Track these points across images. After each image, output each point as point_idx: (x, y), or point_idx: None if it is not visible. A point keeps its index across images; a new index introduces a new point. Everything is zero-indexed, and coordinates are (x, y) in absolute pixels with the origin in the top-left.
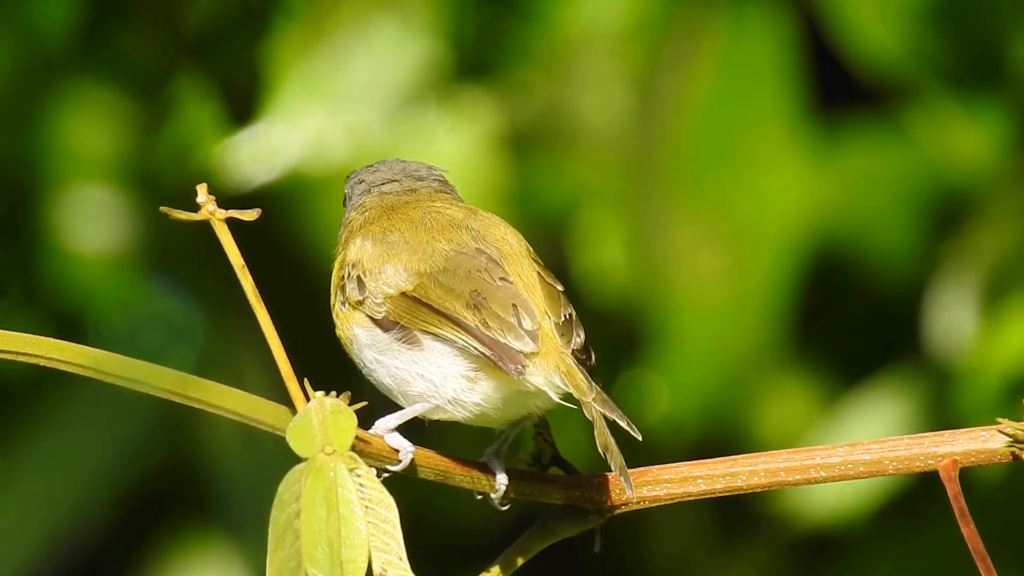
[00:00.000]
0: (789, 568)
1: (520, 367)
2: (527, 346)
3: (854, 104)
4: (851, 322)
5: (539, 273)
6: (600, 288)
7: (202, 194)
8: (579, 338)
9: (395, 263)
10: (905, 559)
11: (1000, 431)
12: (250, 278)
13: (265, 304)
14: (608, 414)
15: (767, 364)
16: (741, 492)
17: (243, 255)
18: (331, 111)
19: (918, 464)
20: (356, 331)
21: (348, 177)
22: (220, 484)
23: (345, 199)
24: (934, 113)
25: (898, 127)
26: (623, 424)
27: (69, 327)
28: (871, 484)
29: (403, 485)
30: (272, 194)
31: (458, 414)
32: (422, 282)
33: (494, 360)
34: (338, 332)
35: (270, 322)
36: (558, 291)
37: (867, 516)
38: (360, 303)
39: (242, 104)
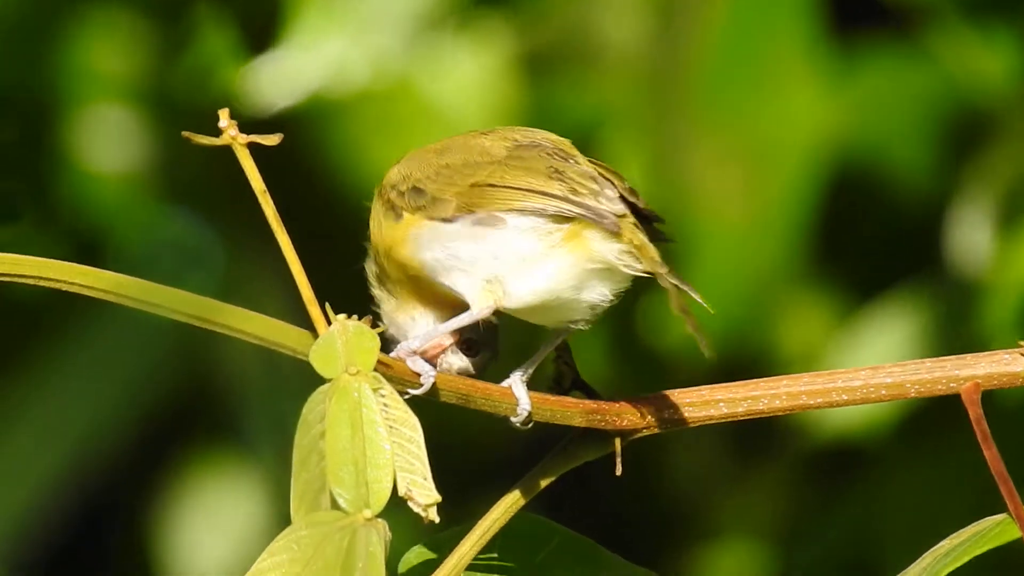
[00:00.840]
0: (809, 484)
1: (615, 223)
2: (617, 207)
3: (872, 25)
4: (869, 240)
5: (593, 161)
6: None
7: (224, 119)
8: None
9: (454, 162)
10: (926, 477)
11: (1022, 354)
12: (271, 203)
13: (286, 230)
14: (680, 285)
15: (786, 282)
16: (762, 415)
17: (264, 180)
18: (351, 35)
19: (940, 387)
20: (414, 232)
21: None
22: (240, 407)
23: None
24: (951, 37)
25: (916, 48)
26: (695, 297)
27: (87, 250)
28: (888, 406)
29: (423, 407)
30: (293, 118)
31: (525, 300)
32: (493, 169)
33: (590, 217)
34: (386, 243)
35: (291, 247)
36: (619, 174)
37: (887, 432)
38: (421, 207)
39: (261, 31)
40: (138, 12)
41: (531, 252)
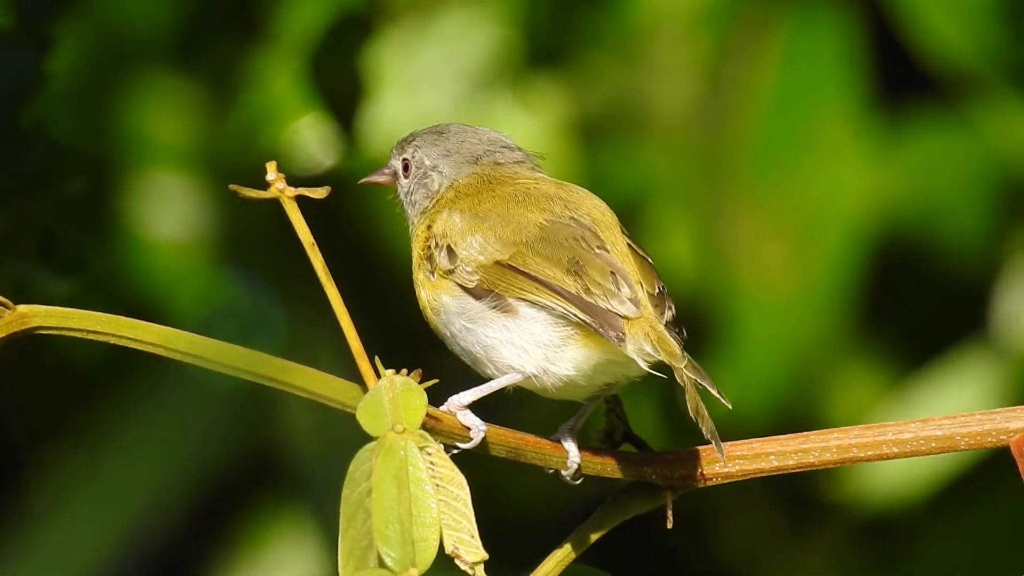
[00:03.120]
0: (857, 552)
1: (621, 334)
2: (630, 311)
3: (918, 95)
4: (918, 308)
5: (630, 244)
6: (667, 280)
7: (271, 172)
8: (671, 310)
9: (487, 233)
10: (972, 538)
11: None
12: (320, 255)
13: (336, 286)
14: (700, 381)
15: (833, 351)
16: (813, 468)
17: (313, 237)
18: (401, 95)
19: (990, 439)
20: (445, 299)
21: (406, 141)
22: (298, 468)
23: (406, 166)
24: (998, 107)
25: (962, 118)
26: (713, 392)
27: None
28: (937, 463)
29: (472, 469)
30: (341, 177)
31: (545, 384)
32: (519, 251)
33: (594, 327)
34: (422, 303)
35: (340, 299)
36: (650, 263)
37: (933, 497)
38: (450, 272)
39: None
40: (200, 76)
41: (549, 341)
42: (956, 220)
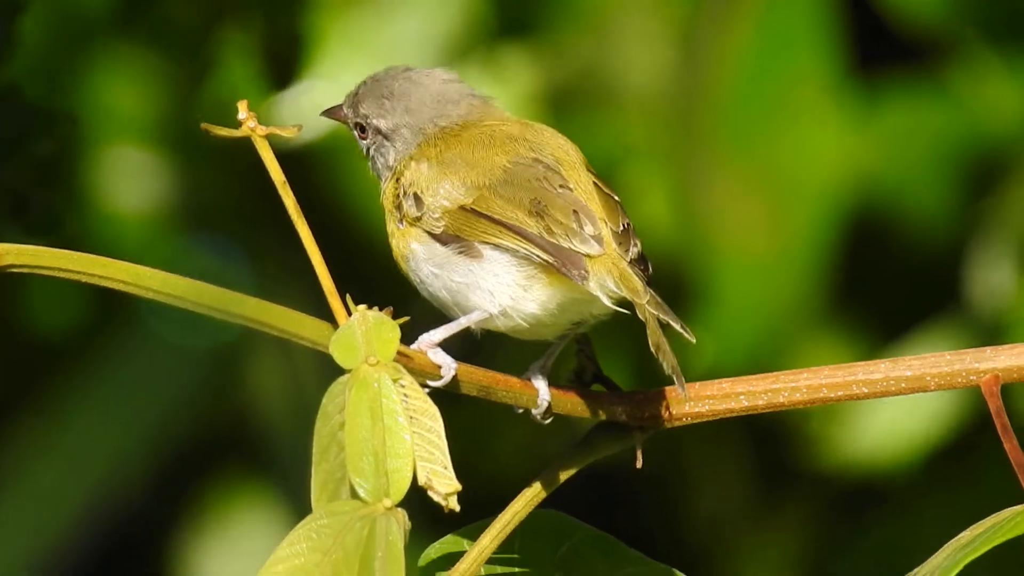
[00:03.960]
0: (835, 520)
1: (584, 272)
2: (592, 248)
3: (893, 60)
4: (890, 278)
5: (595, 183)
6: (645, 241)
7: (242, 110)
8: (636, 247)
9: (452, 179)
10: (954, 504)
11: None
12: (291, 194)
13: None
14: (662, 316)
15: (807, 318)
16: (783, 408)
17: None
18: (373, 66)
19: (960, 380)
20: (413, 246)
21: (356, 99)
22: (267, 437)
23: (361, 127)
24: (973, 67)
25: (937, 83)
26: (677, 327)
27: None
28: (918, 428)
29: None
30: (315, 151)
31: (512, 324)
32: (481, 194)
33: (557, 267)
34: (394, 251)
35: (311, 237)
36: (615, 200)
37: (914, 466)
38: (418, 219)
39: (283, 65)
40: (158, 48)
41: (512, 282)
42: (930, 188)
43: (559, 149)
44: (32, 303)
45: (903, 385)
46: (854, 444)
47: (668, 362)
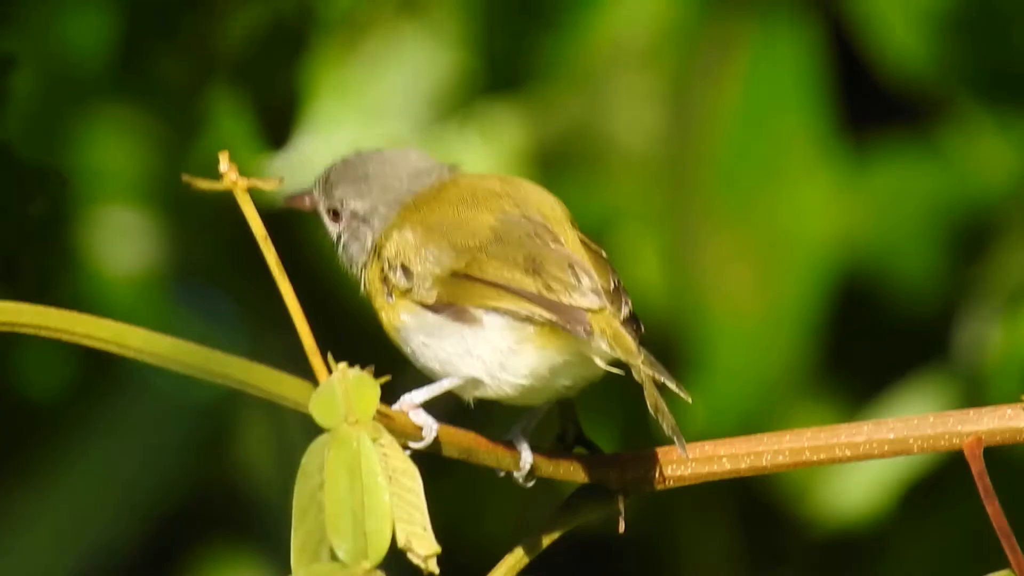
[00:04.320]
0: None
1: (587, 327)
2: (593, 302)
3: (884, 119)
4: (878, 338)
5: (581, 239)
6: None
7: (224, 162)
8: (627, 306)
9: (440, 243)
10: (933, 548)
11: None
12: (272, 248)
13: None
14: (657, 376)
15: (797, 380)
16: (766, 471)
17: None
18: (364, 122)
19: (943, 443)
20: (404, 318)
21: (327, 183)
22: (254, 500)
23: (334, 212)
24: (964, 126)
25: (928, 142)
26: (672, 386)
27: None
28: (895, 475)
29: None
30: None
31: (503, 390)
32: (473, 257)
33: (561, 324)
34: (384, 325)
35: (292, 293)
36: (604, 257)
37: (892, 509)
38: (408, 291)
39: (279, 124)
40: (151, 107)
41: (505, 347)
42: (920, 249)
43: (544, 204)
44: (24, 363)
45: (886, 448)
46: (838, 498)
47: (667, 422)
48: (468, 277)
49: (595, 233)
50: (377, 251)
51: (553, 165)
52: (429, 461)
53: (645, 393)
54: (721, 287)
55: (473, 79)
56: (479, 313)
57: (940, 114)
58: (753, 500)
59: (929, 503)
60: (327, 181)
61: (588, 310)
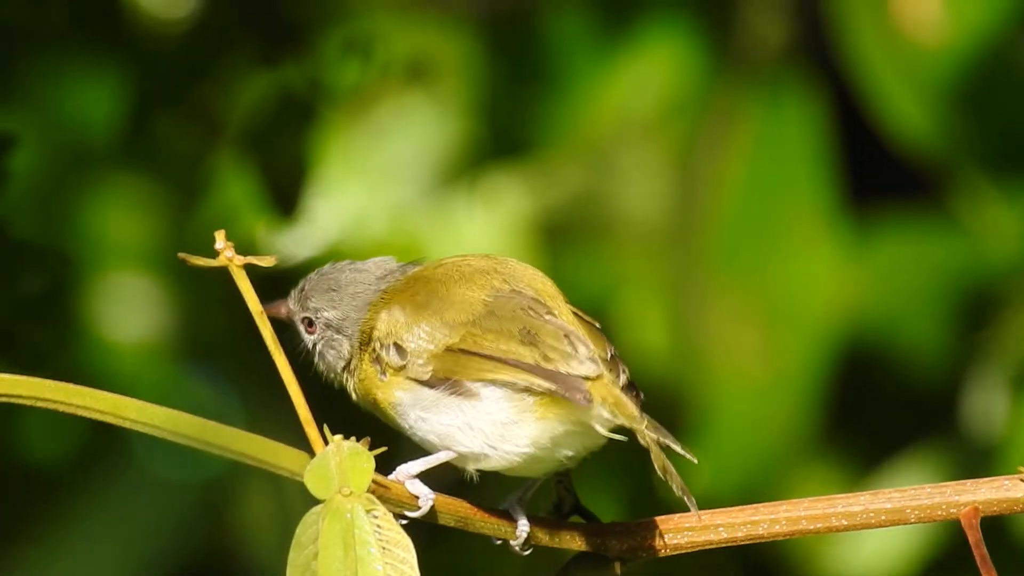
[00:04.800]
0: None
1: (587, 395)
2: (591, 370)
3: (890, 189)
4: (883, 406)
5: (574, 312)
6: (643, 367)
7: (220, 240)
8: (624, 374)
9: (432, 320)
10: None
11: (1023, 479)
12: (268, 324)
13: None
14: (662, 440)
15: (801, 445)
16: (762, 540)
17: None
18: (371, 188)
19: (940, 513)
20: (398, 394)
21: (303, 295)
22: (253, 569)
23: (309, 322)
24: (970, 196)
25: (934, 212)
26: (678, 449)
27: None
28: (905, 545)
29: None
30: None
31: (504, 462)
32: (468, 332)
33: (560, 393)
34: (380, 403)
35: (288, 368)
36: (598, 328)
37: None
38: (402, 368)
39: (286, 191)
40: (157, 177)
41: (505, 419)
42: (924, 321)
43: (534, 280)
44: (27, 432)
45: (883, 518)
46: (847, 559)
47: (677, 484)
48: (464, 352)
49: (600, 299)
50: (363, 339)
51: (558, 233)
52: (428, 529)
53: (652, 456)
54: (725, 351)
55: (478, 146)
56: (476, 387)
57: (946, 185)
58: (762, 563)
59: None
60: (302, 292)
61: (586, 378)
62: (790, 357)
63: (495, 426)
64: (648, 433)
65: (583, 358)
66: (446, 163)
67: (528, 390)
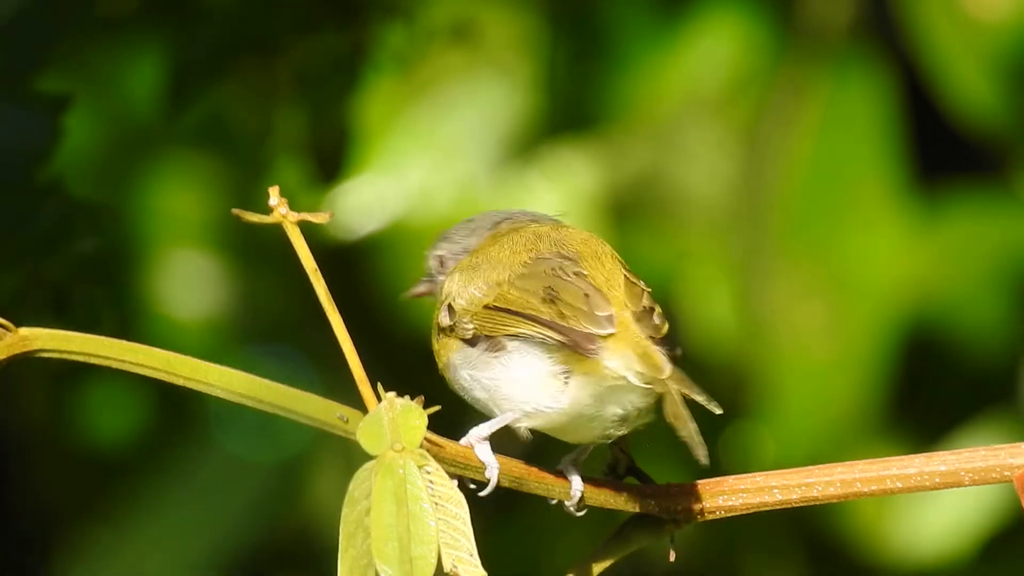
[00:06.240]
0: None
1: (594, 347)
2: (603, 328)
3: (956, 165)
4: (945, 383)
5: (624, 274)
6: (709, 343)
7: (274, 196)
8: (661, 329)
9: (478, 281)
10: None
11: None
12: (322, 281)
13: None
14: (686, 392)
15: (865, 420)
16: (817, 502)
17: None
18: (435, 162)
19: (994, 475)
20: (451, 356)
21: (437, 239)
22: (328, 553)
23: (442, 262)
24: None
25: (999, 189)
26: (702, 401)
27: (171, 396)
28: (974, 517)
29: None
30: (377, 244)
31: (549, 418)
32: (501, 291)
33: (570, 345)
34: (439, 365)
35: (343, 326)
36: (642, 288)
37: (971, 555)
38: (452, 328)
39: (332, 160)
40: (213, 150)
41: (541, 374)
42: (989, 300)
43: (583, 244)
44: (94, 412)
45: (937, 480)
46: (909, 536)
47: (685, 430)
48: (495, 308)
49: (665, 275)
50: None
51: (623, 209)
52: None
53: (666, 403)
54: (791, 327)
55: (543, 121)
56: (506, 341)
57: (1011, 162)
58: (822, 540)
59: (1009, 551)
60: (436, 239)
61: (599, 335)
62: (856, 333)
63: (534, 379)
64: (670, 383)
65: (598, 317)
66: (512, 138)
67: (555, 348)
